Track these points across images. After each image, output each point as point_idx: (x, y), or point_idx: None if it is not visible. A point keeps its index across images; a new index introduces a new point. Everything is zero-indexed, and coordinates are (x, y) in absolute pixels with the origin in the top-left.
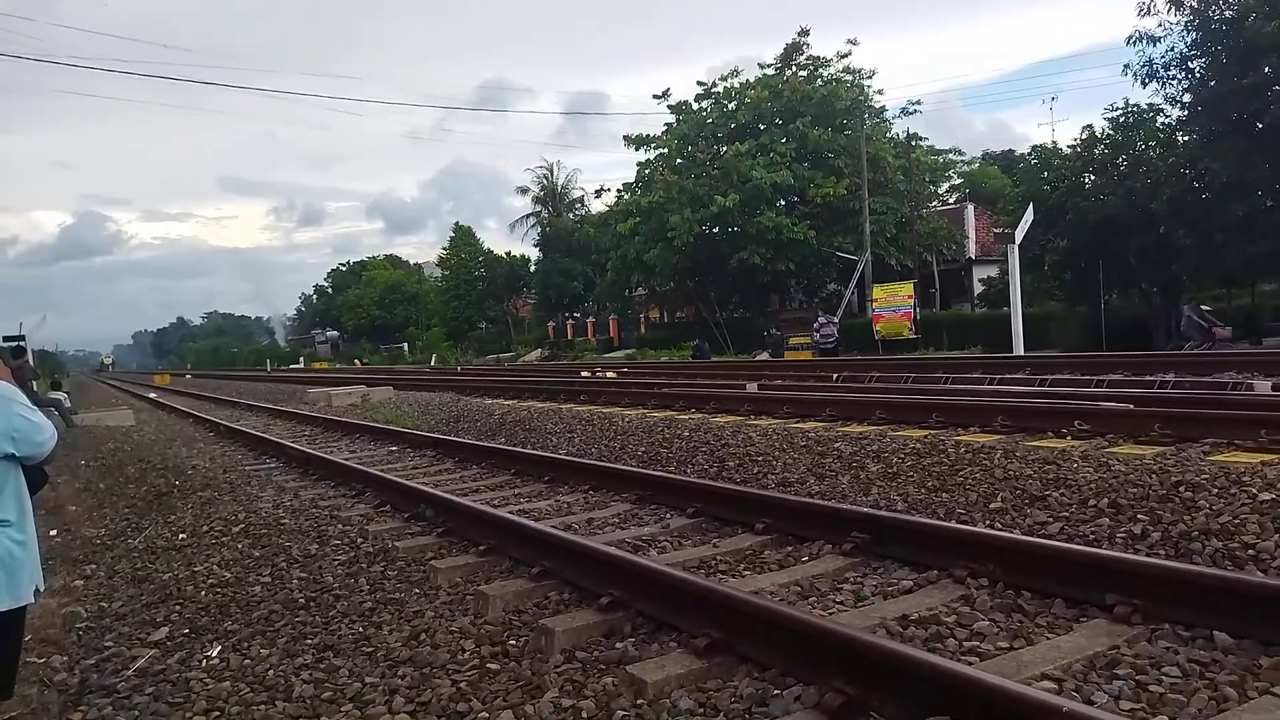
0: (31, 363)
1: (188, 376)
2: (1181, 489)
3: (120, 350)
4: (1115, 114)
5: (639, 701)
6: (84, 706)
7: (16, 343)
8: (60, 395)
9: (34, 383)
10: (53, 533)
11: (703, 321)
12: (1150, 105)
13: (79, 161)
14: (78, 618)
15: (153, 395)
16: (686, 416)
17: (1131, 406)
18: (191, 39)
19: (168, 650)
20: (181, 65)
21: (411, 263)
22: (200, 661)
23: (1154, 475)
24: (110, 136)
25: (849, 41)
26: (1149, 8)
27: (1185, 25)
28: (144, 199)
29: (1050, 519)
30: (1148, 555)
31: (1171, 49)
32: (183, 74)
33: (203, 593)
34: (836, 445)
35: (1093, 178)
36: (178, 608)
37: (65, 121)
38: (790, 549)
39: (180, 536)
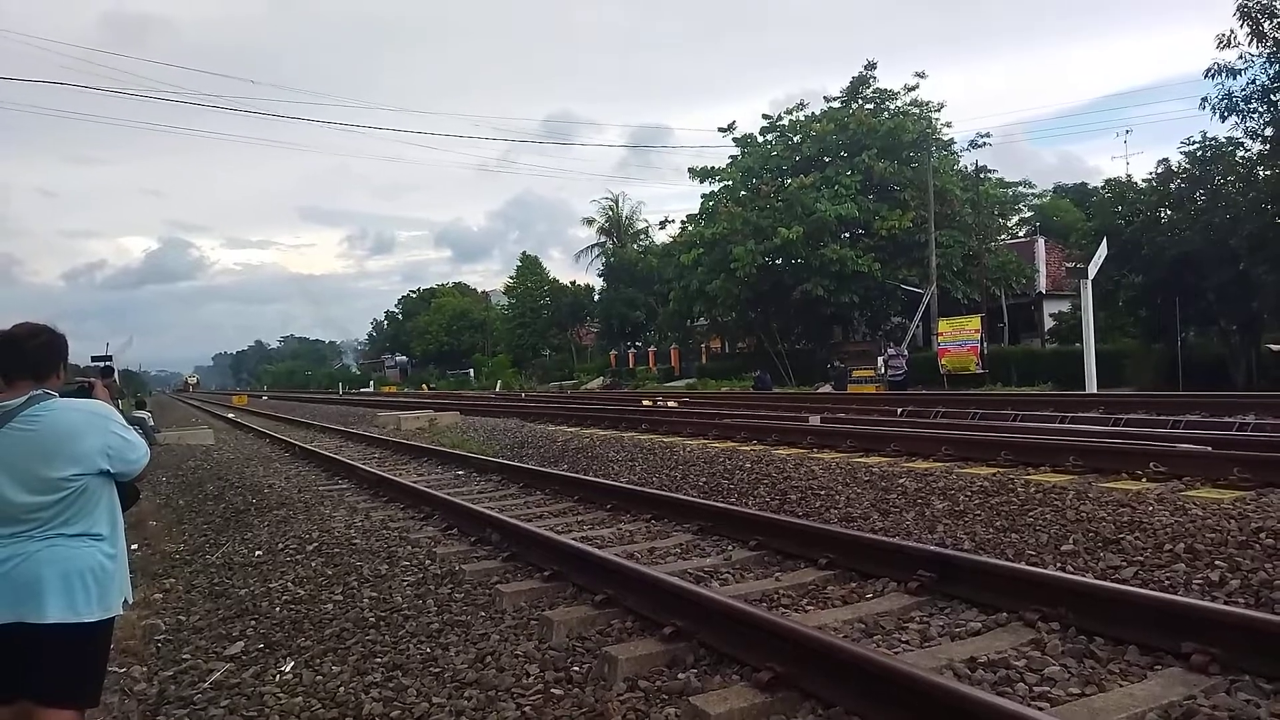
0: (117, 382)
1: (264, 398)
2: (1262, 535)
3: (200, 371)
4: (1192, 147)
5: None
6: (162, 717)
7: (104, 363)
8: (144, 414)
9: (120, 402)
10: (134, 547)
11: (764, 353)
12: (1229, 139)
13: (165, 190)
14: (157, 630)
15: (231, 415)
16: (748, 448)
17: (1210, 449)
18: (274, 74)
19: (243, 664)
20: (265, 99)
21: (479, 290)
22: (274, 676)
23: (1233, 520)
24: (195, 166)
25: (916, 74)
26: (1229, 39)
27: (1268, 57)
28: (226, 226)
29: (1124, 563)
30: (1226, 603)
31: (1252, 81)
32: (265, 108)
33: (277, 609)
34: (901, 481)
35: (1169, 212)
36: (253, 623)
37: (153, 152)
38: (854, 585)
39: (256, 553)
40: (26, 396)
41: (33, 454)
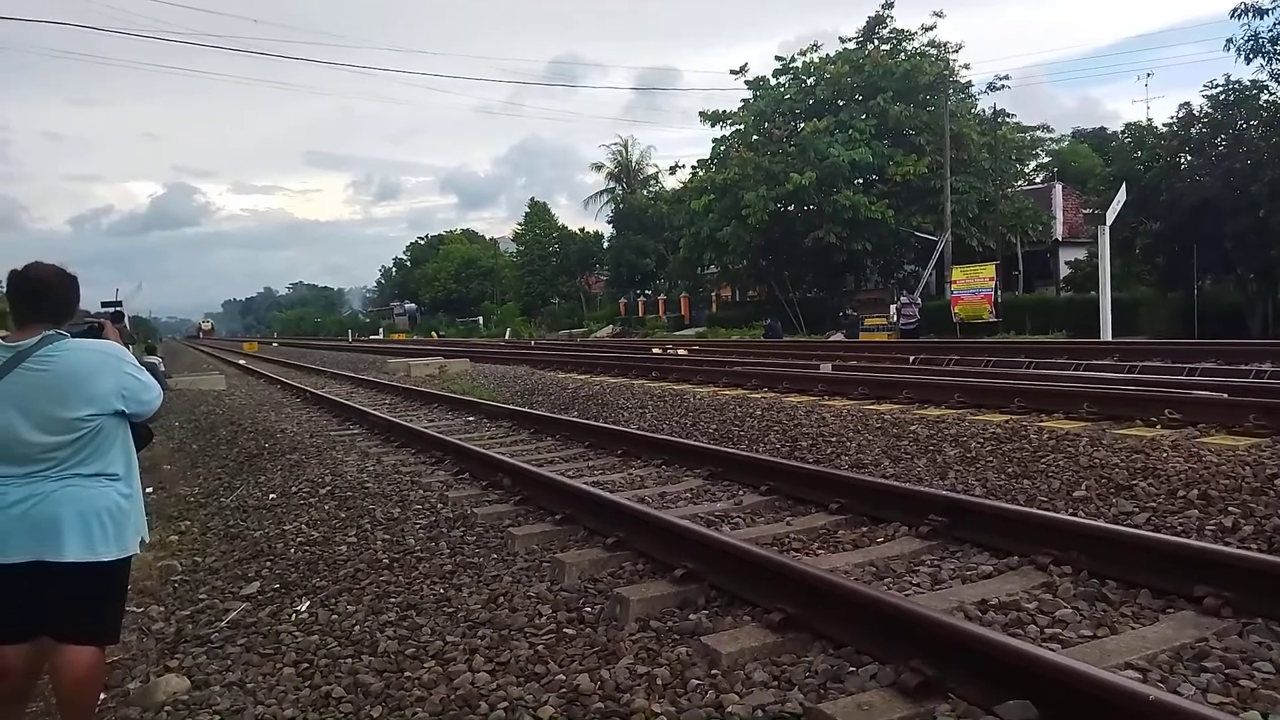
0: (128, 327)
1: (274, 344)
2: (1277, 481)
3: (210, 318)
4: (1215, 91)
5: (713, 672)
6: (180, 655)
7: (114, 308)
8: (155, 359)
9: (130, 347)
10: (149, 490)
11: (775, 301)
12: (1254, 82)
13: (169, 134)
14: (173, 571)
15: (242, 362)
16: (759, 395)
17: (1225, 396)
18: (275, 13)
19: (259, 604)
20: (268, 40)
21: (488, 238)
22: (290, 615)
23: (1247, 467)
24: (199, 110)
25: (934, 14)
26: None
27: None
28: (232, 171)
29: (1137, 509)
30: (1239, 548)
31: None
32: (269, 49)
33: (292, 550)
34: (913, 428)
35: (1189, 158)
36: (268, 564)
37: (158, 95)
38: (865, 530)
39: (270, 496)
40: (40, 337)
41: (48, 394)
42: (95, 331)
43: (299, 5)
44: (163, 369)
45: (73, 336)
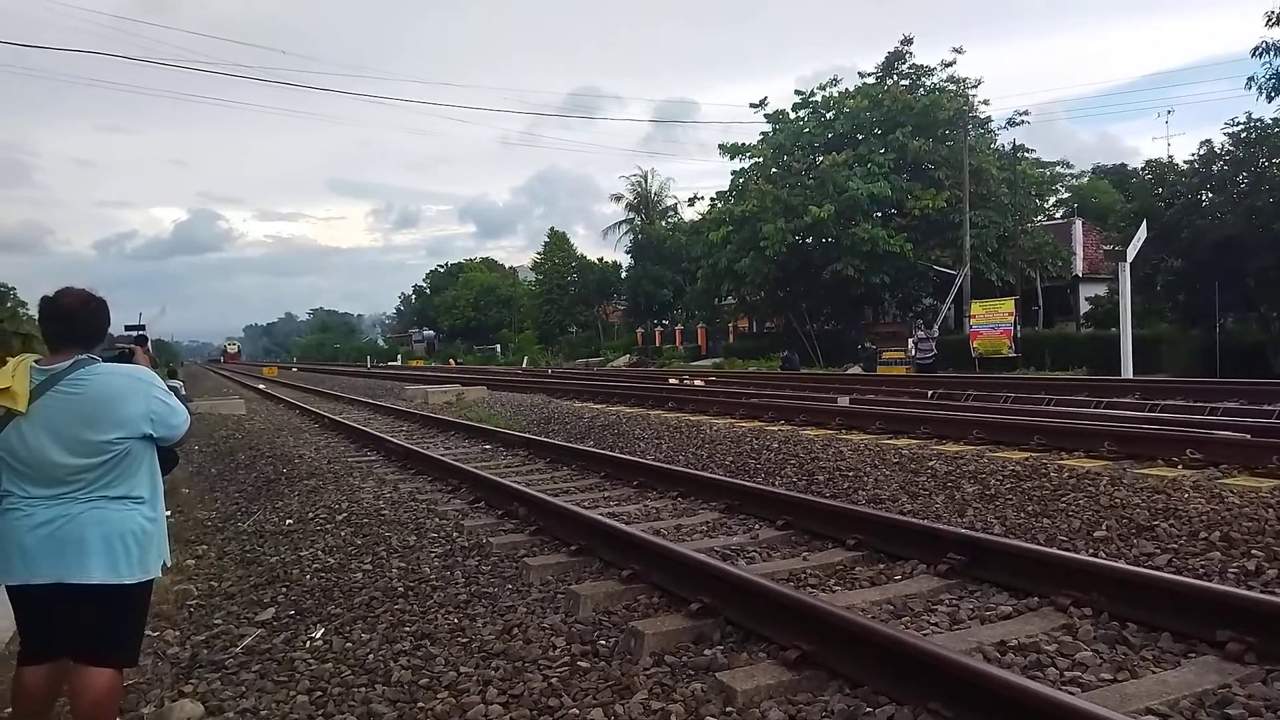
0: (151, 351)
1: (294, 369)
2: None
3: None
4: (1237, 128)
5: (728, 709)
6: (194, 680)
7: (138, 332)
8: (176, 383)
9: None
10: (167, 513)
11: (792, 332)
12: (1275, 120)
13: (195, 160)
14: (189, 595)
15: (261, 386)
16: (775, 428)
17: (1248, 436)
18: (303, 45)
19: (274, 630)
20: (295, 70)
21: (506, 266)
22: (304, 642)
23: (1271, 509)
24: (225, 137)
25: (954, 50)
26: (1279, 17)
27: None
28: (257, 198)
29: (1158, 550)
30: (1263, 592)
31: None
32: (296, 79)
33: (308, 577)
34: (931, 464)
35: (1211, 195)
36: (284, 590)
37: (186, 123)
38: (882, 567)
39: (287, 522)
40: (72, 360)
41: (78, 417)
42: (126, 356)
43: (326, 37)
44: (184, 393)
45: (104, 361)
